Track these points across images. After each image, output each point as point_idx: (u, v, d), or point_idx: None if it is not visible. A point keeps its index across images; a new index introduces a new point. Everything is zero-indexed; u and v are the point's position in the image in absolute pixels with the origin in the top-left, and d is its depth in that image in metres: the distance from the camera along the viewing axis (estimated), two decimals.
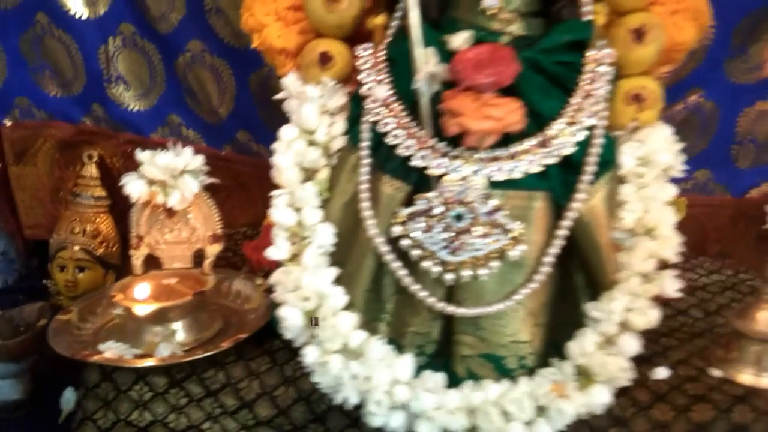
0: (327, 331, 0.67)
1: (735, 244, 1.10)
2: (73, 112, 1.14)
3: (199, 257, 0.85)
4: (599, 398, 0.66)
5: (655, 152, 0.75)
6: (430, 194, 0.66)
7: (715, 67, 0.96)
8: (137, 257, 0.82)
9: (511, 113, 0.63)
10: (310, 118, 0.75)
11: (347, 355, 0.67)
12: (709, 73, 0.96)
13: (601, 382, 0.66)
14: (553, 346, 0.71)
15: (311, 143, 0.76)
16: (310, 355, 0.67)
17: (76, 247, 1.08)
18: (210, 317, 0.81)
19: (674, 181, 1.02)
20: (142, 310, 0.73)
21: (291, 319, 0.67)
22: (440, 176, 0.66)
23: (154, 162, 0.78)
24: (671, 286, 0.70)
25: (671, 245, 0.71)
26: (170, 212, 0.82)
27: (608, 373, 0.66)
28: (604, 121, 0.69)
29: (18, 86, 1.11)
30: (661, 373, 0.75)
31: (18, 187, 1.20)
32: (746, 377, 0.74)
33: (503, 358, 0.69)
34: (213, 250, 0.83)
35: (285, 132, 0.76)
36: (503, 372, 0.69)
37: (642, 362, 0.76)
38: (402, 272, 0.68)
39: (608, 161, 0.69)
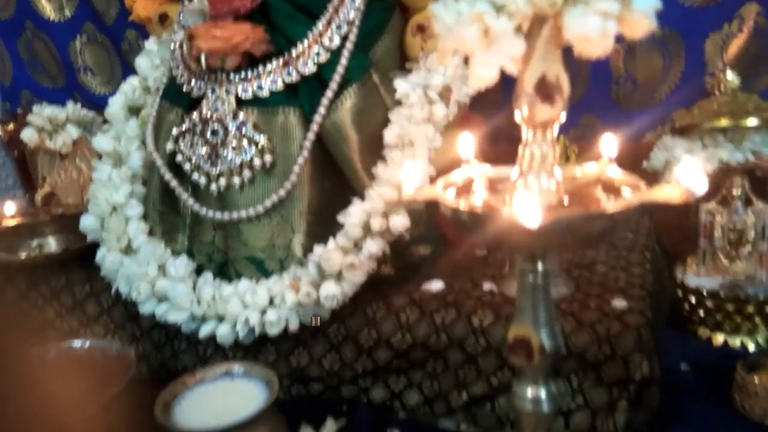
0: (112, 233, 0.79)
1: None
2: (63, 99, 1.37)
3: None
4: (325, 292, 0.70)
5: (430, 76, 0.79)
6: (193, 114, 0.77)
7: None
8: (39, 194, 1.01)
9: (238, 34, 0.72)
10: (141, 66, 0.90)
11: (131, 254, 0.79)
12: None
13: (330, 278, 0.71)
14: None
15: (145, 88, 0.90)
16: (98, 254, 0.80)
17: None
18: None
19: (563, 130, 1.01)
20: (9, 222, 0.92)
21: (84, 223, 0.80)
22: (201, 98, 0.77)
23: (41, 113, 0.97)
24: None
25: (421, 156, 0.74)
26: (62, 156, 1.01)
27: (333, 269, 0.70)
28: (351, 43, 0.75)
29: (21, 81, 1.39)
30: (435, 285, 0.77)
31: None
32: (513, 289, 0.74)
33: (264, 261, 0.76)
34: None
35: (128, 79, 0.91)
36: (265, 273, 0.76)
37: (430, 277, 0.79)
38: (174, 182, 0.78)
39: (351, 78, 0.74)
